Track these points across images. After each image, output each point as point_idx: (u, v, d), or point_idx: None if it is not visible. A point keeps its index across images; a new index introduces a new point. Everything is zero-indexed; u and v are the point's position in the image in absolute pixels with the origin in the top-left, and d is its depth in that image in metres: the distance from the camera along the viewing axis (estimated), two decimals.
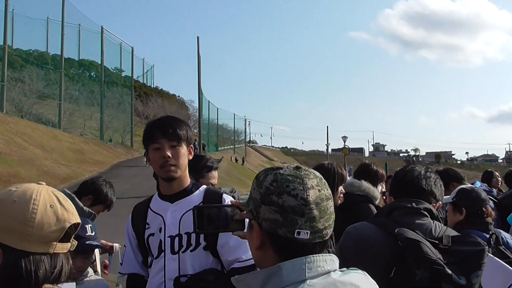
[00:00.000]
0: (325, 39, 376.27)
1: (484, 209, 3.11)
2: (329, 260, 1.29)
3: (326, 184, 1.34)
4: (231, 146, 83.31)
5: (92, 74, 58.29)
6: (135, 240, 2.63)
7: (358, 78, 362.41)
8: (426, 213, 2.14)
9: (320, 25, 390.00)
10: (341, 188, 3.35)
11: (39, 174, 19.17)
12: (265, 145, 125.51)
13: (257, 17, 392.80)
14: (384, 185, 4.29)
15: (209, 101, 66.24)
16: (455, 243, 1.98)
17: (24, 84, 43.20)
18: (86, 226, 2.72)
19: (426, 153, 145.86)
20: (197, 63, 42.89)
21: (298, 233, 1.25)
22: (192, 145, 2.60)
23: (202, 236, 2.42)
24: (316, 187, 1.29)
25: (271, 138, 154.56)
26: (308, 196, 1.26)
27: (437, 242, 1.97)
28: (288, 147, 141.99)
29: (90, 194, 3.76)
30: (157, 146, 2.44)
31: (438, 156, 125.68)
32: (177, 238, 2.44)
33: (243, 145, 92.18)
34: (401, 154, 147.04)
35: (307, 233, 1.25)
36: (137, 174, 24.19)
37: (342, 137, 41.41)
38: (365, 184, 3.84)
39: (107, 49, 55.85)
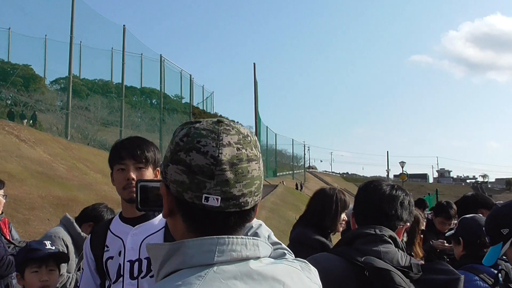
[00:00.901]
0: (387, 63, 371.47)
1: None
2: (250, 245, 1.06)
3: (254, 143, 1.12)
4: (290, 172, 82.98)
5: (153, 101, 60.24)
6: (93, 262, 2.51)
7: (421, 102, 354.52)
8: (390, 240, 1.92)
9: (381, 49, 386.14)
10: (343, 215, 3.22)
11: (97, 198, 19.74)
12: (325, 171, 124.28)
13: (317, 43, 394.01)
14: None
15: (267, 126, 66.54)
16: (426, 271, 1.81)
17: (89, 112, 45.18)
18: (45, 241, 2.80)
19: (496, 179, 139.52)
20: (254, 89, 43.66)
21: (207, 198, 1.03)
22: (159, 169, 2.44)
23: None
24: (235, 145, 1.07)
25: (330, 163, 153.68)
26: (220, 155, 1.04)
27: (407, 271, 1.78)
28: (349, 173, 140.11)
29: (91, 220, 3.77)
30: (122, 167, 2.36)
31: (509, 183, 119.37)
32: (137, 263, 2.32)
33: (302, 170, 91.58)
34: (468, 181, 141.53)
35: (217, 199, 1.03)
36: None
37: (399, 163, 40.27)
38: None
39: (167, 77, 57.65)
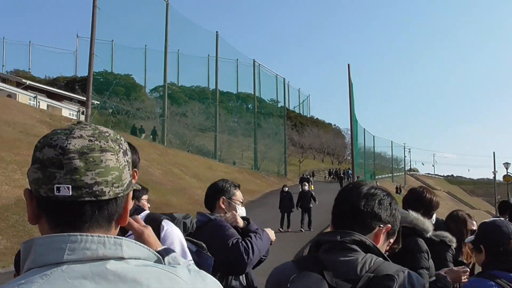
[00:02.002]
0: (496, 57, 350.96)
1: (509, 245, 2.59)
2: (111, 244, 1.00)
3: (114, 138, 1.08)
4: (390, 175, 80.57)
5: (249, 106, 60.76)
6: None
7: None
8: (355, 246, 1.71)
9: (490, 42, 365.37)
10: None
11: (190, 202, 20.07)
12: (428, 173, 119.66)
13: (416, 39, 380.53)
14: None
15: (364, 128, 65.01)
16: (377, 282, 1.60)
17: (186, 118, 46.52)
18: None
19: None
20: (348, 90, 42.65)
21: (58, 189, 0.99)
22: (136, 169, 2.30)
23: None
24: (87, 137, 1.04)
25: (433, 165, 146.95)
26: (68, 145, 1.02)
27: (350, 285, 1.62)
28: (454, 175, 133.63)
29: None
30: None
31: None
32: None
33: (403, 173, 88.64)
34: None
35: (68, 187, 0.99)
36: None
37: (504, 164, 38.05)
38: (413, 215, 3.27)
39: (263, 82, 58.12)
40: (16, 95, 28.19)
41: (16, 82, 32.86)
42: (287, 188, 20.05)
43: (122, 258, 1.01)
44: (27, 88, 31.44)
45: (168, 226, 2.35)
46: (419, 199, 3.46)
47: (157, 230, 2.21)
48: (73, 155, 1.01)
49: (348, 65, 34.30)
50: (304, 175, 46.13)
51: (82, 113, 27.21)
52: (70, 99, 32.54)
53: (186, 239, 2.44)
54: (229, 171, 33.02)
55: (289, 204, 18.94)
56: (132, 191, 1.15)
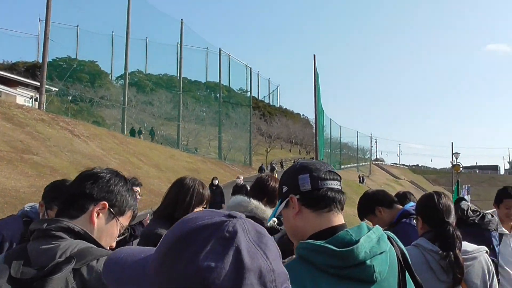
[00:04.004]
0: (460, 53, 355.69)
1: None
2: None
3: None
4: (355, 164, 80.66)
5: (217, 96, 59.64)
6: None
7: (497, 92, 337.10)
8: (61, 233, 1.61)
9: (454, 39, 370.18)
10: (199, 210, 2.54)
11: (144, 192, 19.03)
12: (394, 163, 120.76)
13: (384, 30, 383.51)
14: None
15: (331, 119, 64.58)
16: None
17: (152, 107, 45.14)
18: None
19: None
20: (314, 80, 41.95)
21: None
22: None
23: None
24: None
25: (398, 155, 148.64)
26: None
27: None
28: (419, 165, 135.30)
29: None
30: None
31: None
32: None
33: (369, 163, 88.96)
34: None
35: None
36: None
37: (454, 154, 38.59)
38: (254, 203, 3.12)
39: (233, 72, 57.00)
40: None
41: None
42: (217, 181, 17.30)
43: None
44: None
45: None
46: (263, 187, 3.29)
47: None
48: None
49: (314, 55, 33.63)
50: (273, 164, 45.55)
51: (36, 100, 25.73)
52: (27, 85, 30.86)
53: None
54: (192, 161, 31.99)
55: (220, 199, 16.12)
56: None
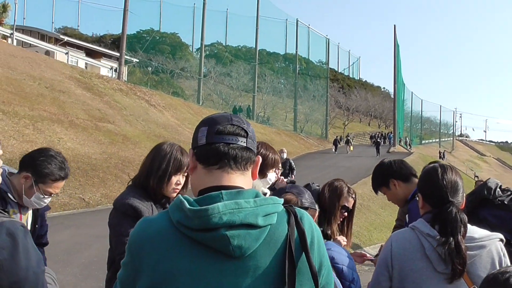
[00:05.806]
0: None
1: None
2: None
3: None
4: (437, 140, 77.25)
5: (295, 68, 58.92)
6: None
7: None
8: None
9: None
10: (177, 178, 2.59)
11: None
12: (480, 140, 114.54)
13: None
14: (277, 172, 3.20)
15: (412, 92, 61.99)
16: None
17: (231, 78, 45.32)
18: None
19: None
20: (393, 52, 40.21)
21: None
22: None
23: None
24: None
25: (485, 131, 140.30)
26: None
27: None
28: (509, 142, 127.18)
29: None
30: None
31: None
32: None
33: (452, 138, 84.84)
34: None
35: None
36: (313, 166, 22.95)
37: None
38: None
39: (312, 44, 55.89)
40: (54, 53, 27.66)
41: (54, 38, 32.29)
42: (285, 154, 14.67)
43: None
44: (65, 44, 30.89)
45: None
46: None
47: None
48: None
49: (394, 26, 32.34)
50: (341, 137, 44.44)
51: (115, 71, 26.47)
52: (110, 57, 31.86)
53: None
54: (266, 132, 31.81)
55: (288, 172, 13.83)
56: None
